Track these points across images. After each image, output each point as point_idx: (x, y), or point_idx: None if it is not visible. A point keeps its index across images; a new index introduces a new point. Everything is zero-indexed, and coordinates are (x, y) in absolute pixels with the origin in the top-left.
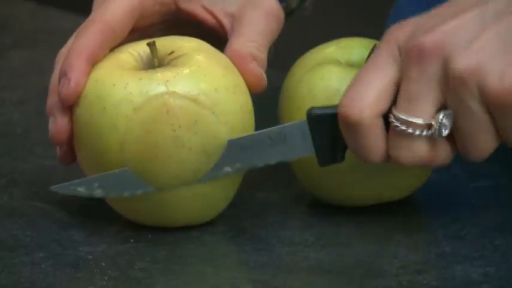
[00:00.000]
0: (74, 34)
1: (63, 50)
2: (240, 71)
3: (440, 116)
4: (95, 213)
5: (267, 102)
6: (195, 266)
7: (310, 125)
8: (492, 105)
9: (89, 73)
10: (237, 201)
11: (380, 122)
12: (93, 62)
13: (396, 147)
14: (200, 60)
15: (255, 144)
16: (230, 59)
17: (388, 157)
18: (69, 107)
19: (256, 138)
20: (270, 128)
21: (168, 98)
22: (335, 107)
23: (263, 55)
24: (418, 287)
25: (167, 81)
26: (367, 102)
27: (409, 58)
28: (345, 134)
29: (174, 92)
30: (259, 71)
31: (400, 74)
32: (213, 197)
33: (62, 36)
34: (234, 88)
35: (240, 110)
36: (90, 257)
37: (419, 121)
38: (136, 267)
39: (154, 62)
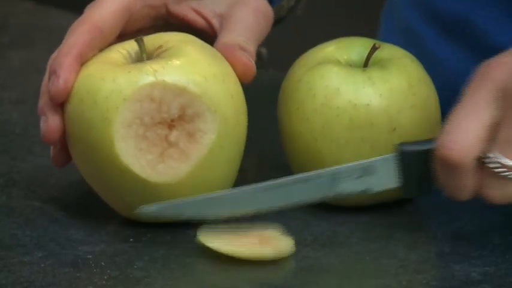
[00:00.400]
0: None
1: (56, 53)
2: (228, 61)
3: None
4: (93, 213)
5: (266, 102)
6: (194, 265)
7: (399, 161)
8: None
9: (78, 71)
10: None
11: (475, 163)
12: (82, 60)
13: (489, 187)
14: (188, 50)
15: (347, 175)
16: (219, 52)
17: (476, 195)
18: (60, 105)
19: (349, 169)
20: (361, 161)
21: (158, 88)
22: (425, 143)
23: (251, 48)
24: (417, 286)
25: (156, 71)
26: (467, 145)
27: None
28: (438, 173)
29: (163, 81)
30: (247, 59)
31: (499, 114)
32: (207, 188)
33: (61, 35)
34: (224, 77)
35: (231, 99)
36: (89, 256)
37: None
38: (135, 266)
39: (143, 57)
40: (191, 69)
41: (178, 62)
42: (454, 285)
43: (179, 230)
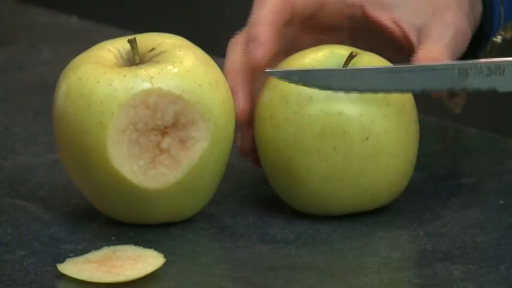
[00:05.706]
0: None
1: (238, 38)
2: None
3: None
4: (76, 211)
5: None
6: (176, 263)
7: None
8: None
9: (275, 41)
10: (218, 199)
11: None
12: (277, 31)
13: None
14: (182, 56)
15: (473, 72)
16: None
17: None
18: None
19: (475, 67)
20: (492, 59)
21: (154, 95)
22: None
23: None
24: (399, 284)
25: (152, 77)
26: None
27: None
28: None
29: (159, 88)
30: None
31: None
32: (194, 194)
33: (42, 33)
34: (216, 84)
35: (222, 106)
36: (72, 254)
37: None
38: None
39: (136, 59)
40: (187, 76)
41: (174, 69)
42: (436, 283)
43: (161, 228)
